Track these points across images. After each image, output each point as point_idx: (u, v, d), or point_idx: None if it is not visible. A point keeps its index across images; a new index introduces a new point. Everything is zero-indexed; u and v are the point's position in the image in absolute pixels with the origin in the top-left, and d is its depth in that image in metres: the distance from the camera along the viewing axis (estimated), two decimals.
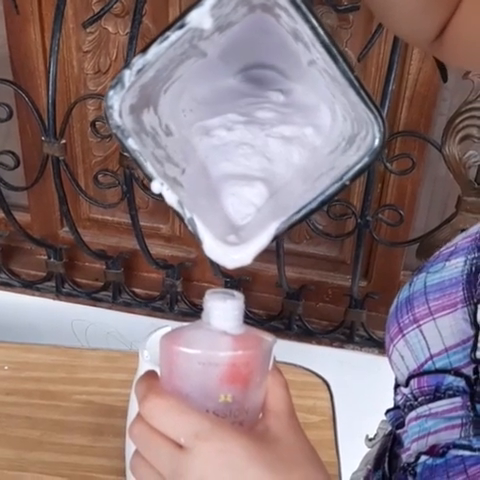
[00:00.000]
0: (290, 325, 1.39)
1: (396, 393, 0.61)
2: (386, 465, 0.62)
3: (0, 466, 0.87)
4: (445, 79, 1.12)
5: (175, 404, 0.46)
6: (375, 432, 0.76)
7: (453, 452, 0.50)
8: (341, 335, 1.40)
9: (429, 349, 0.55)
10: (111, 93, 0.41)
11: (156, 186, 0.44)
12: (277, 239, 0.46)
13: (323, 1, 1.16)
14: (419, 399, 0.56)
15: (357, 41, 1.22)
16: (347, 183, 0.44)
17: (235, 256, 0.46)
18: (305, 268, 1.44)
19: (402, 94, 1.24)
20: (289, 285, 1.35)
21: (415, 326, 0.56)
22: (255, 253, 0.46)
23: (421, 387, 0.56)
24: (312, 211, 0.45)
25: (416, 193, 1.32)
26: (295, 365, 1.07)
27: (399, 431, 0.61)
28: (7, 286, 1.50)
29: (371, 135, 0.41)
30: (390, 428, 0.65)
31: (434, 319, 0.55)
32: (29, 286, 1.49)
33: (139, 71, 0.40)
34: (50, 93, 1.16)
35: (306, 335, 1.39)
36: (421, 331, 0.56)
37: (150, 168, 0.44)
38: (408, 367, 0.58)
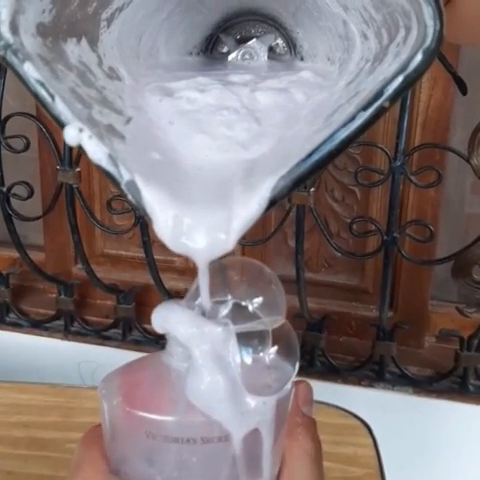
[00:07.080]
0: (312, 361, 1.28)
1: None
2: None
3: None
4: (464, 92, 1.03)
5: None
6: None
7: None
8: (370, 372, 1.28)
9: None
10: None
11: (71, 133, 0.32)
12: (270, 209, 0.29)
13: None
14: None
15: None
16: (386, 105, 0.29)
17: (208, 238, 0.29)
18: (324, 299, 1.33)
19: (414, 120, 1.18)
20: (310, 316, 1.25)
21: None
22: (240, 231, 0.29)
23: None
24: (330, 155, 0.29)
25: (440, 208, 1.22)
26: (327, 404, 0.87)
27: None
28: (15, 326, 1.43)
29: (419, 29, 0.30)
30: None
31: None
32: (37, 326, 1.42)
33: None
34: None
35: (331, 373, 1.28)
36: None
37: (61, 106, 0.31)
38: None
